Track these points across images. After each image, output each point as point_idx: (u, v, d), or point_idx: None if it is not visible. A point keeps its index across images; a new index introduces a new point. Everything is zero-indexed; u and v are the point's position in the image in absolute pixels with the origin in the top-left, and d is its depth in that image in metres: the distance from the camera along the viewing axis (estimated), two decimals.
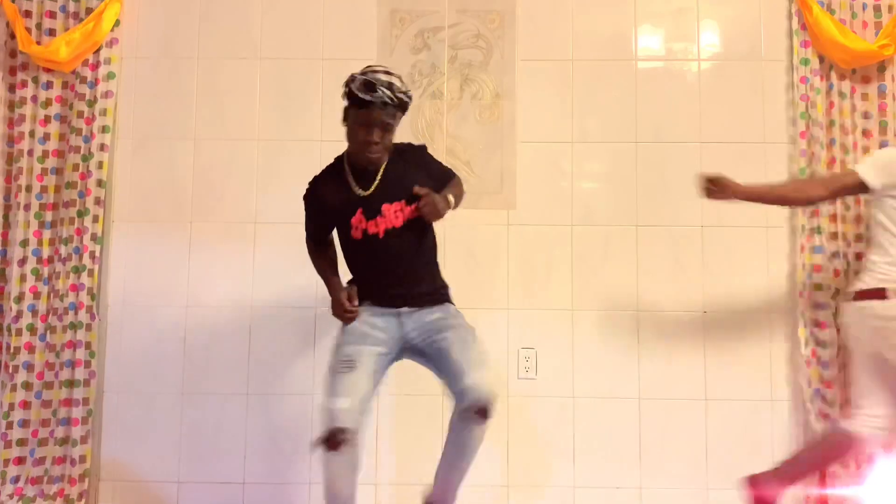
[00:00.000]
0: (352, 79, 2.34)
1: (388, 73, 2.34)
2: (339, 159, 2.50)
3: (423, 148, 2.55)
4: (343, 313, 2.41)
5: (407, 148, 2.51)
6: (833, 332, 3.00)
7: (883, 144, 3.08)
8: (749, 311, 3.11)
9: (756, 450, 3.03)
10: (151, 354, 3.13)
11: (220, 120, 3.22)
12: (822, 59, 3.12)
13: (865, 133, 3.10)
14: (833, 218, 3.08)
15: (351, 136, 2.39)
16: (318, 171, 2.52)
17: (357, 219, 2.39)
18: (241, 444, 3.10)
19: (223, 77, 3.24)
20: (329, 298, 2.49)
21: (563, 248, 3.15)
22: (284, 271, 3.14)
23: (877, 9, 3.14)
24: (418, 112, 3.19)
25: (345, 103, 2.38)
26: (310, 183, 2.51)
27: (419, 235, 2.44)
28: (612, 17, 3.25)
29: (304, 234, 2.48)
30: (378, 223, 2.38)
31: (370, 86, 2.28)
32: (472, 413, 2.22)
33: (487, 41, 3.24)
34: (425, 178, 2.44)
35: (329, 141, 3.19)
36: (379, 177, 2.41)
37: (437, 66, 3.22)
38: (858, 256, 3.06)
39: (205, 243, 3.18)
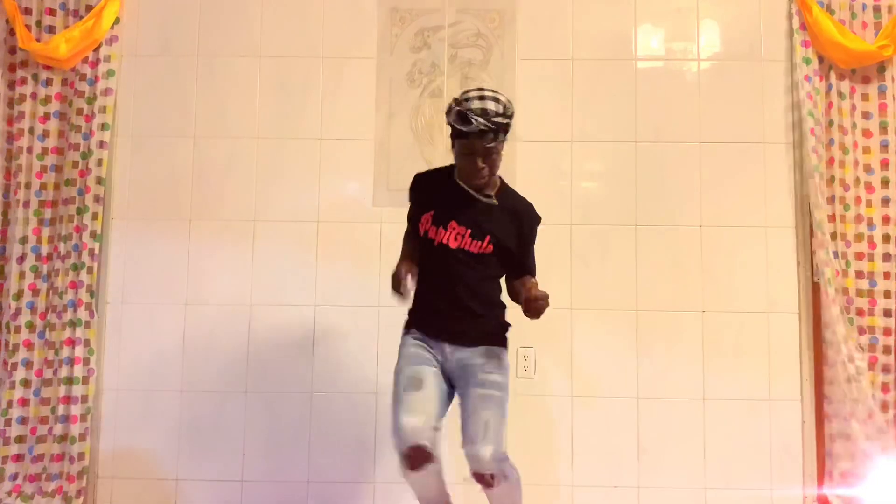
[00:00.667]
0: (449, 108, 2.29)
1: (481, 97, 2.25)
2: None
3: (537, 220, 2.45)
4: (396, 281, 2.34)
5: (525, 209, 2.43)
6: (831, 332, 3.00)
7: (883, 144, 3.09)
8: (748, 310, 3.11)
9: (754, 449, 3.04)
10: (150, 352, 3.13)
11: (220, 118, 3.22)
12: (821, 60, 3.13)
13: (865, 133, 3.10)
14: (832, 218, 3.08)
15: (458, 164, 2.35)
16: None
17: (426, 218, 2.37)
18: (240, 441, 3.10)
19: (223, 75, 3.24)
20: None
21: (562, 247, 3.15)
22: (284, 269, 3.14)
23: (876, 9, 3.15)
24: (418, 111, 3.19)
25: (449, 130, 2.34)
26: (418, 174, 2.49)
27: (469, 266, 2.36)
28: (612, 16, 3.25)
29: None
30: (438, 233, 2.34)
31: (464, 117, 2.22)
32: (476, 480, 2.25)
33: (487, 40, 3.24)
34: (514, 245, 2.38)
35: (329, 139, 3.20)
36: (484, 199, 2.37)
37: (437, 65, 3.22)
38: (858, 256, 3.06)
39: (204, 241, 3.18)
